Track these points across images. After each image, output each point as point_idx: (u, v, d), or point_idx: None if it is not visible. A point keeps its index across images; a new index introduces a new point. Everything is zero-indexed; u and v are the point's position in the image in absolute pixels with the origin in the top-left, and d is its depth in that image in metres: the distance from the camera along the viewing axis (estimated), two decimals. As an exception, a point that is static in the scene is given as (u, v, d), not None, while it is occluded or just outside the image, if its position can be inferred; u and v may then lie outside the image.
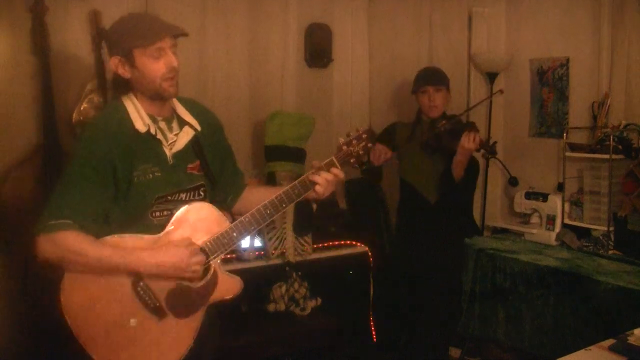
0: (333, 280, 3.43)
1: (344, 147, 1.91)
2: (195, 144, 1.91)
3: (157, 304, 1.79)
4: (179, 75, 1.85)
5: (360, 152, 1.92)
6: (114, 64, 1.80)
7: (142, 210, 1.80)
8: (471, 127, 3.02)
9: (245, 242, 3.12)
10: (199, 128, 1.92)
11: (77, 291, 1.72)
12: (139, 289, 1.77)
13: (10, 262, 2.77)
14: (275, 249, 3.18)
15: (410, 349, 3.42)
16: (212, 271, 1.87)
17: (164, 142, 1.85)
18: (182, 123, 1.91)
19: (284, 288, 3.24)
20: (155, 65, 1.78)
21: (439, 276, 3.19)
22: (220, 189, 1.99)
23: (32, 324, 2.73)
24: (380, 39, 4.14)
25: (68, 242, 1.68)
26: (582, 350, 1.84)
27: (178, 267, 1.76)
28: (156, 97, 1.83)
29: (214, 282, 1.87)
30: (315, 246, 3.33)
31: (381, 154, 3.07)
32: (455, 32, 4.18)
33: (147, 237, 1.79)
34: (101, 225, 1.76)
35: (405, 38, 4.18)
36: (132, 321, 1.77)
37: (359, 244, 3.52)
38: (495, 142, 3.08)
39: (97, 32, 2.96)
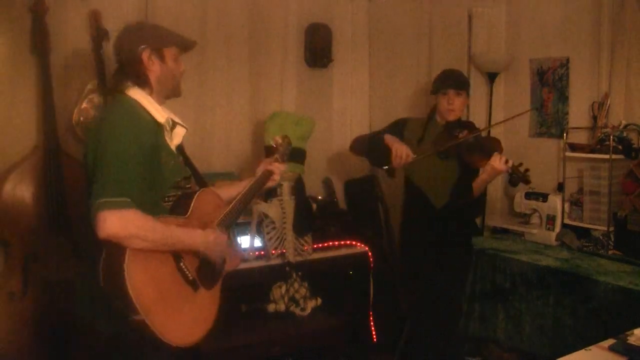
0: (333, 280, 3.44)
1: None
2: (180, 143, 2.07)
3: (192, 277, 1.92)
4: None
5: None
6: (145, 55, 1.89)
7: (161, 195, 1.91)
8: (499, 145, 2.90)
9: (245, 242, 3.12)
10: (187, 128, 2.06)
11: (139, 268, 1.77)
12: (181, 264, 1.88)
13: (10, 262, 2.77)
14: (275, 249, 3.18)
15: (410, 349, 3.42)
16: None
17: (167, 136, 1.98)
18: (174, 122, 2.02)
19: (284, 288, 3.25)
20: (176, 66, 1.98)
21: (440, 277, 3.16)
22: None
23: (32, 324, 2.73)
24: (380, 39, 4.13)
25: (138, 219, 1.72)
26: (582, 350, 1.85)
27: (221, 250, 1.98)
28: (171, 94, 2.00)
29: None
30: (315, 246, 3.33)
31: (402, 157, 2.85)
32: (455, 32, 4.18)
33: (181, 219, 1.91)
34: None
35: (405, 38, 4.18)
36: (178, 293, 1.91)
37: (359, 244, 3.52)
38: (527, 170, 2.84)
39: (97, 32, 2.96)
